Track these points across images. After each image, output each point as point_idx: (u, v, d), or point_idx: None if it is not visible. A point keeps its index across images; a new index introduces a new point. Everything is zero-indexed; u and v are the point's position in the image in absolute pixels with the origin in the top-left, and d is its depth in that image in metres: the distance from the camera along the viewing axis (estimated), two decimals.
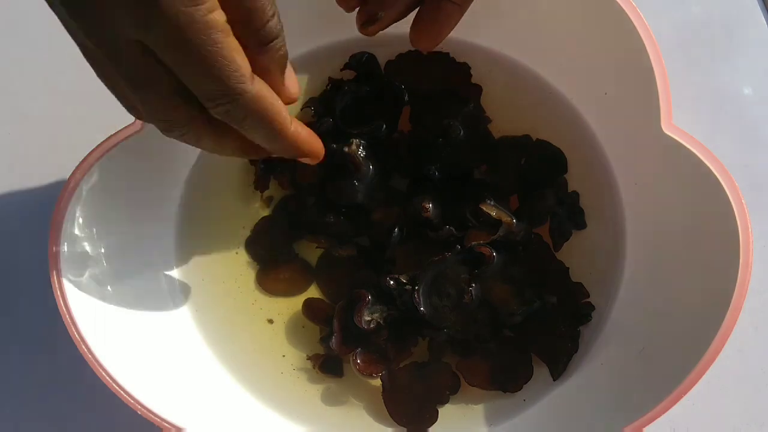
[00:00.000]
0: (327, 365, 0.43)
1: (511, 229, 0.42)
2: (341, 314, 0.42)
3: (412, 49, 0.41)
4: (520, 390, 0.42)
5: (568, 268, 0.43)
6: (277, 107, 0.33)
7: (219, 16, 0.30)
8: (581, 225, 0.44)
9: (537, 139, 0.45)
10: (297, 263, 0.45)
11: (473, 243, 0.42)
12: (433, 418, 0.42)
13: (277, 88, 0.34)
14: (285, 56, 0.34)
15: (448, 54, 0.45)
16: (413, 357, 0.43)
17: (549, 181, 0.44)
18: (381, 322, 0.42)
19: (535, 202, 0.44)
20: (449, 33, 0.39)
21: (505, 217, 0.42)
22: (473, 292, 0.42)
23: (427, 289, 0.42)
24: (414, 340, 0.43)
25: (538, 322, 0.43)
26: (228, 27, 0.30)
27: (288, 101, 0.35)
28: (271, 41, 0.32)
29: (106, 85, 0.34)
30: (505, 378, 0.42)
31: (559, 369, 0.42)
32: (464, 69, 0.45)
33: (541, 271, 0.43)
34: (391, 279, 0.42)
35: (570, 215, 0.44)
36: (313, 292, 0.45)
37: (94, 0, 0.29)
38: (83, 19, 0.30)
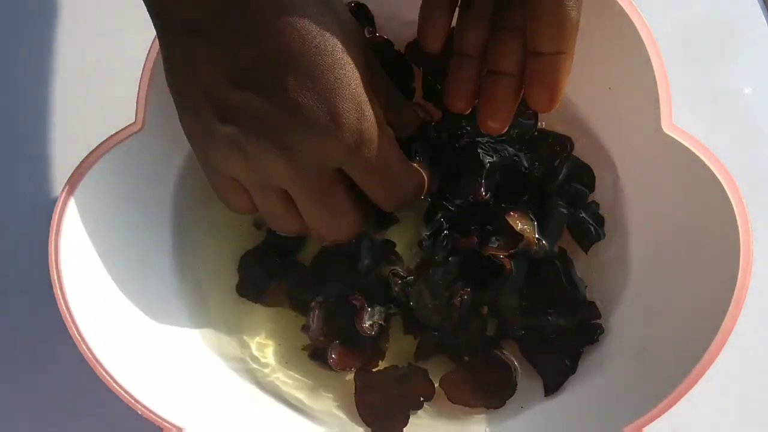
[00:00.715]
0: (317, 354, 0.43)
1: (530, 247, 0.42)
2: (322, 309, 0.42)
3: None
4: (503, 406, 0.41)
5: (587, 286, 0.43)
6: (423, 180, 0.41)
7: (389, 129, 0.36)
8: (601, 235, 0.43)
9: (572, 154, 0.44)
10: (284, 284, 0.45)
11: (490, 252, 0.41)
12: (402, 423, 0.41)
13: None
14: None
15: None
16: (394, 359, 0.43)
17: (576, 199, 0.44)
18: (382, 323, 0.42)
19: (556, 217, 0.43)
20: (566, 84, 0.36)
21: (528, 234, 0.41)
22: (464, 298, 0.41)
23: (422, 283, 0.41)
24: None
25: (541, 336, 0.42)
26: (393, 134, 0.37)
27: None
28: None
29: (264, 207, 0.38)
30: (488, 394, 0.41)
31: (552, 387, 0.42)
32: None
33: (556, 285, 0.42)
34: (394, 274, 0.42)
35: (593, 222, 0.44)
36: None
37: (315, 138, 0.33)
38: (292, 154, 0.33)
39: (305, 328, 0.43)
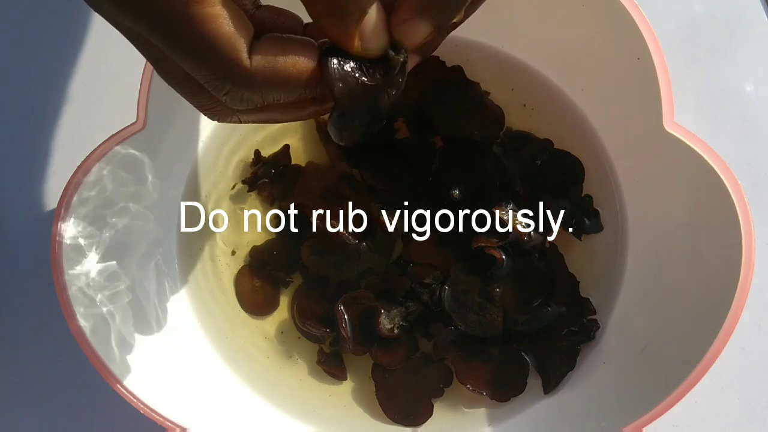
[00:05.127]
0: (329, 361, 0.43)
1: (520, 238, 0.42)
2: (346, 317, 0.42)
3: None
4: (506, 402, 0.42)
5: (579, 282, 0.43)
6: (287, 73, 0.27)
7: None
8: (598, 227, 0.44)
9: (557, 149, 0.45)
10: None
11: (481, 245, 0.42)
12: (428, 413, 0.42)
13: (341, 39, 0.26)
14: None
15: (437, 57, 0.45)
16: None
17: (564, 191, 0.44)
18: (404, 324, 0.42)
19: (544, 209, 0.44)
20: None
21: (517, 226, 0.42)
22: (498, 291, 0.42)
23: (452, 300, 0.42)
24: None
25: (540, 334, 0.42)
26: None
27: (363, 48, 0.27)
28: None
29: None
30: (497, 386, 0.42)
31: (551, 384, 0.42)
32: (456, 69, 0.45)
33: (551, 280, 0.43)
34: (417, 283, 0.42)
35: (585, 216, 0.44)
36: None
37: None
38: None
39: (334, 342, 0.43)
